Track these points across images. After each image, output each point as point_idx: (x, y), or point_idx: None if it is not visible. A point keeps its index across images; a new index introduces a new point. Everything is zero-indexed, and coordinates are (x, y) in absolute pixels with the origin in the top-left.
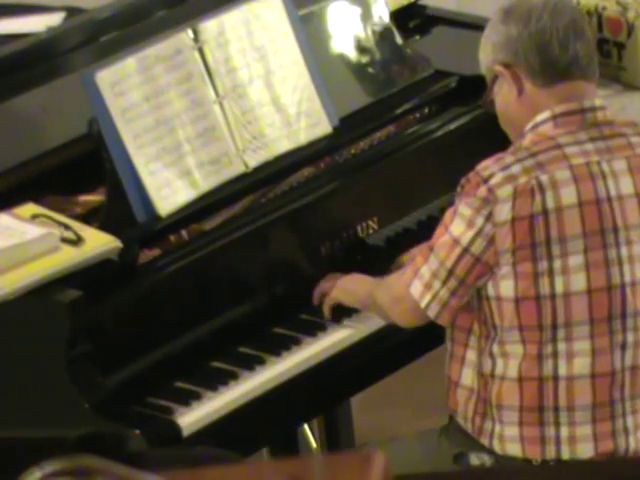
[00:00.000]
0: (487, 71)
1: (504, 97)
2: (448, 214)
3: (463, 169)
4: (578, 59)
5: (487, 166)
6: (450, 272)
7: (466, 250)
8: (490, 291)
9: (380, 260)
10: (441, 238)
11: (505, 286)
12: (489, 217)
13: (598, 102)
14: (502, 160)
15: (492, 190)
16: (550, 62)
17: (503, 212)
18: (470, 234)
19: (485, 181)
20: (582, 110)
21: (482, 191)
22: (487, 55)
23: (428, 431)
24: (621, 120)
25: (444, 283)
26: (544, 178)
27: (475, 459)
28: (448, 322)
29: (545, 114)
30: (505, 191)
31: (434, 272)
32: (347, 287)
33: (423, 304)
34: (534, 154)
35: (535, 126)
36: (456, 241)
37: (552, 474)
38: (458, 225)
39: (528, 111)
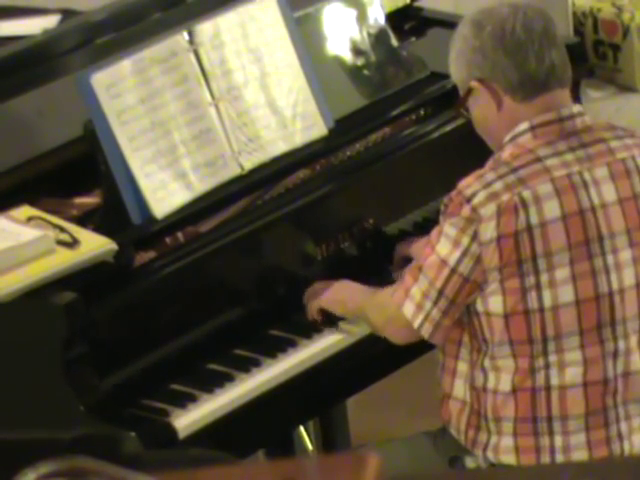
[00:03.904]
0: (461, 85)
1: (482, 110)
2: (434, 234)
3: (459, 171)
4: (554, 69)
5: (469, 184)
6: (440, 292)
7: (454, 270)
8: (479, 307)
9: (376, 261)
10: (429, 258)
11: (493, 302)
12: (474, 236)
13: (576, 109)
14: (483, 177)
15: (475, 209)
16: (529, 77)
17: (488, 230)
18: (457, 254)
19: (468, 200)
20: (560, 119)
21: (465, 211)
22: (460, 70)
23: (424, 433)
24: (599, 124)
25: (435, 303)
26: (526, 194)
27: (470, 462)
28: (441, 341)
29: (523, 125)
30: (489, 209)
31: (424, 292)
32: (337, 297)
33: (416, 324)
34: (515, 169)
35: (514, 137)
36: (444, 262)
37: (548, 475)
38: (444, 245)
39: (508, 123)
